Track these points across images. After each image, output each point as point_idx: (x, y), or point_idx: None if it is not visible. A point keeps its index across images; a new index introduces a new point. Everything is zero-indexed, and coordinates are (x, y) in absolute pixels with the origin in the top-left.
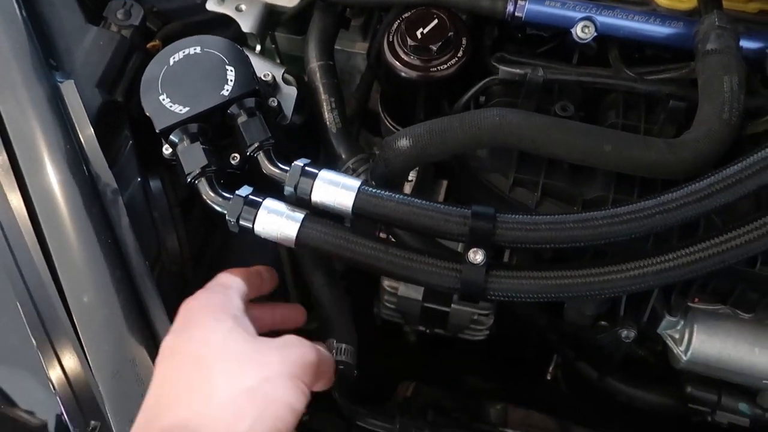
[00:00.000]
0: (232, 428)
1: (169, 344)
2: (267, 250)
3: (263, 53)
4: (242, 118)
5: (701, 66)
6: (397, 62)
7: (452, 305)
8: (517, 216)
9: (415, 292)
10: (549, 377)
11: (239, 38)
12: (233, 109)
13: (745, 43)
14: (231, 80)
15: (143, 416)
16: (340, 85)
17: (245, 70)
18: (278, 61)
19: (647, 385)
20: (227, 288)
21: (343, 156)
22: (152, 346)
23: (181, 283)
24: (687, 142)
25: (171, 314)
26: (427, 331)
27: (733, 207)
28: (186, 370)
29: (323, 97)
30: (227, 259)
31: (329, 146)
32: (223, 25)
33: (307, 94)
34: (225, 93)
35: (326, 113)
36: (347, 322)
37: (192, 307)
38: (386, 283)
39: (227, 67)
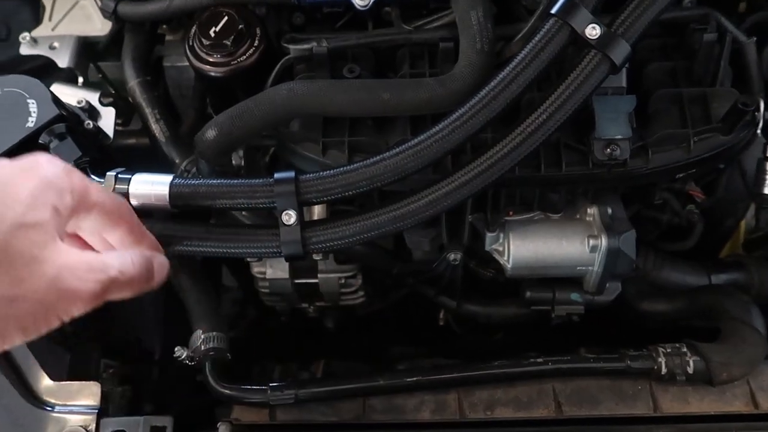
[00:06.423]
0: None
1: None
2: (150, 309)
3: (88, 85)
4: (54, 144)
5: (454, 7)
6: (202, 64)
7: (318, 274)
8: (316, 173)
9: (282, 272)
10: (441, 323)
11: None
12: (43, 137)
13: None
14: (34, 112)
15: None
16: (168, 96)
17: (47, 99)
18: (112, 90)
19: (499, 302)
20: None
21: (176, 160)
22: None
23: (59, 332)
24: (453, 76)
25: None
26: (311, 307)
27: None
28: None
29: (147, 110)
30: (113, 302)
31: (163, 154)
32: (52, 68)
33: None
34: (30, 125)
35: (153, 125)
36: (216, 312)
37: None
38: (255, 269)
39: (29, 101)
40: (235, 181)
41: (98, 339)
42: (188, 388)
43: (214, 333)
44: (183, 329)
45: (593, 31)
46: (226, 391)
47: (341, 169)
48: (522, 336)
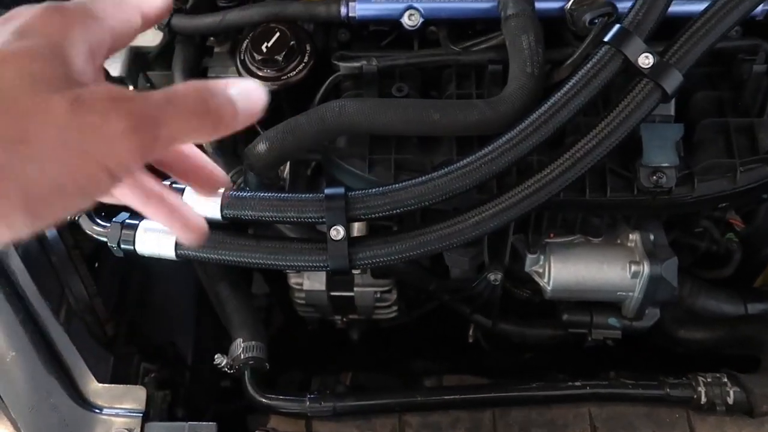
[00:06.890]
0: None
1: None
2: (189, 289)
3: None
4: None
5: (505, 30)
6: (252, 78)
7: (355, 288)
8: (365, 190)
9: (319, 284)
10: (471, 340)
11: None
12: None
13: (545, 5)
14: None
15: None
16: None
17: None
18: None
19: (535, 322)
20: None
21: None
22: (64, 377)
23: (102, 335)
24: (502, 98)
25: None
26: (343, 319)
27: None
28: None
29: None
30: (148, 306)
31: None
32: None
33: None
34: None
35: None
36: (255, 322)
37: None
38: (292, 280)
39: None
40: (287, 194)
41: (136, 341)
42: (214, 394)
43: (254, 342)
44: (214, 334)
45: (647, 60)
46: (265, 401)
47: (390, 186)
48: (550, 356)
